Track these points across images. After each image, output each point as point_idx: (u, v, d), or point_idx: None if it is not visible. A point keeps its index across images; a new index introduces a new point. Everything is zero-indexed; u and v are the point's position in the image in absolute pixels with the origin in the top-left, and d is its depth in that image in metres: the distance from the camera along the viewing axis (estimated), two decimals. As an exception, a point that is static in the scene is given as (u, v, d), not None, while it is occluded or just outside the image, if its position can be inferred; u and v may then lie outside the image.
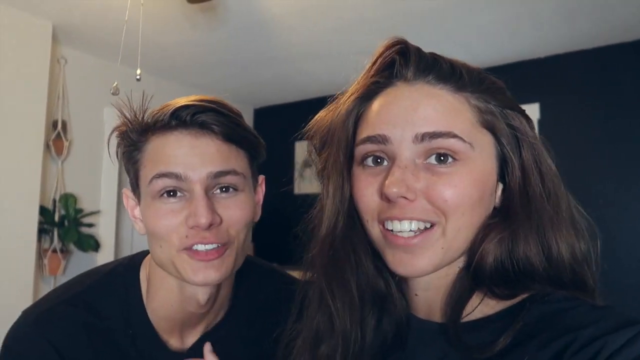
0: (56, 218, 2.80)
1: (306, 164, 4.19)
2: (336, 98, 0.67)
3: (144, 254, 0.90)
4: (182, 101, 0.78)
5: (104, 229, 3.09)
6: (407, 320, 0.65)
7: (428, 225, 0.57)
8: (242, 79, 3.65)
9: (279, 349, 0.72)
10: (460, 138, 0.56)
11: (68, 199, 2.84)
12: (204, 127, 0.77)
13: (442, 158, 0.57)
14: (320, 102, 0.70)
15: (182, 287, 0.82)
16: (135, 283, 0.85)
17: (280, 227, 3.58)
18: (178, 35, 2.82)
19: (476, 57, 3.02)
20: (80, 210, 2.90)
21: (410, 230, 0.57)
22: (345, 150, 0.63)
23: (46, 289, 2.79)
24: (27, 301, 2.45)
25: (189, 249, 0.76)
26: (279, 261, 1.03)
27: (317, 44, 2.97)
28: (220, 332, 0.89)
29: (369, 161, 0.61)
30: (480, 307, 0.58)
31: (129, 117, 0.80)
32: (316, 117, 0.69)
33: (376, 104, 0.61)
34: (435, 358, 0.60)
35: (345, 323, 0.64)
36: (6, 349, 0.79)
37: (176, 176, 0.75)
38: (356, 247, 0.65)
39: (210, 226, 0.75)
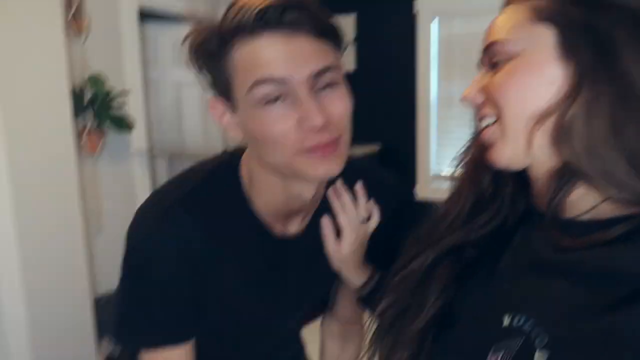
0: (85, 100, 2.80)
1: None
2: None
3: (241, 151, 0.92)
4: None
5: (133, 109, 3.09)
6: (522, 212, 0.71)
7: (496, 120, 0.64)
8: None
9: (402, 250, 0.79)
10: (501, 42, 0.62)
11: (97, 80, 2.81)
12: (294, 25, 0.73)
13: (496, 64, 0.63)
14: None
15: (287, 186, 0.86)
16: (238, 182, 0.89)
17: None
18: None
19: None
20: (109, 92, 2.90)
21: (486, 125, 0.65)
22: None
23: (89, 166, 2.91)
24: (72, 181, 2.57)
25: (307, 150, 0.77)
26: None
27: None
28: (319, 218, 0.95)
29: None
30: (594, 210, 0.56)
31: (202, 27, 0.76)
32: None
33: None
34: (531, 245, 0.64)
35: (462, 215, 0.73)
36: (133, 248, 0.85)
37: (277, 81, 0.73)
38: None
39: (324, 124, 0.75)
